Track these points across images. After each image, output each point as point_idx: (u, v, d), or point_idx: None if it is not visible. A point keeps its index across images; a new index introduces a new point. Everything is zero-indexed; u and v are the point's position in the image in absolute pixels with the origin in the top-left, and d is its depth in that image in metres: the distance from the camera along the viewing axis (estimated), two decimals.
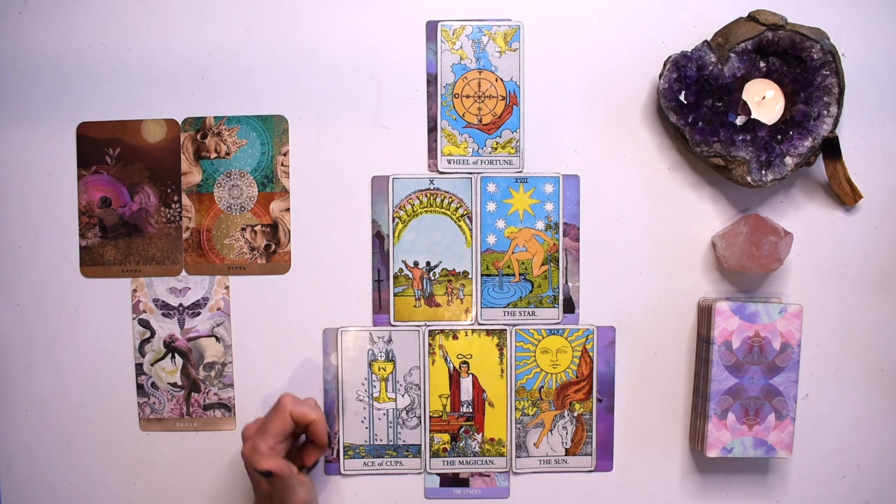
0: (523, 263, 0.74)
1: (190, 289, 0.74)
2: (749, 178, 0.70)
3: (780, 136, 0.70)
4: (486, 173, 0.73)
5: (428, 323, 0.74)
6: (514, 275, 0.74)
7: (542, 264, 0.74)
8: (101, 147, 0.73)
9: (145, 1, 0.72)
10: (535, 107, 0.73)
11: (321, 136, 0.73)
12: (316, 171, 0.73)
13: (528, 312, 0.74)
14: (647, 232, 0.74)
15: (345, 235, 0.74)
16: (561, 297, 0.74)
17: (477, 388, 0.74)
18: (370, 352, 0.74)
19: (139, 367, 0.74)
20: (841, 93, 0.69)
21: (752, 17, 0.70)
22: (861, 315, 0.74)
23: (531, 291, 0.74)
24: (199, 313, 0.74)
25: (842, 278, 0.74)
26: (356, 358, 0.74)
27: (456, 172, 0.73)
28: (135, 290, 0.74)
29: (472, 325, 0.74)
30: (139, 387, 0.74)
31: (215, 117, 0.73)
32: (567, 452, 0.75)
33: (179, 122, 0.73)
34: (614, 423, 0.75)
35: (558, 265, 0.74)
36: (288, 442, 0.67)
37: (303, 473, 0.69)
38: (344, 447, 0.74)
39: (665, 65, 0.70)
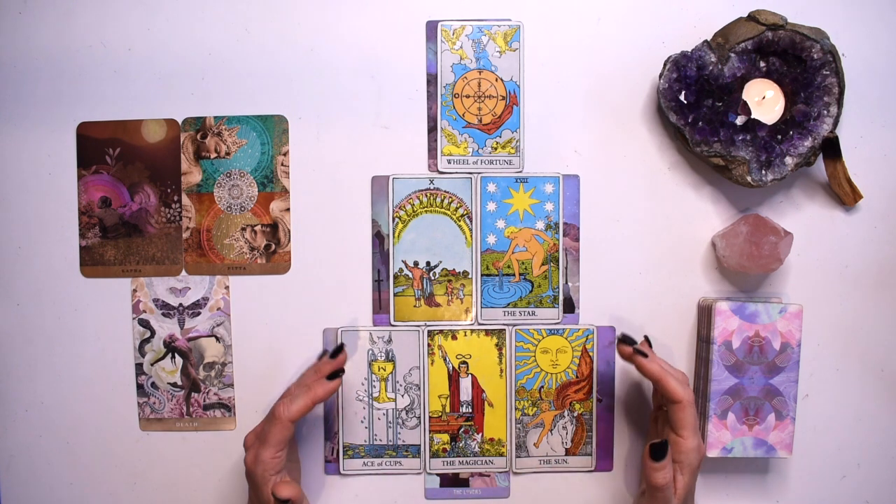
0: (523, 263, 0.74)
1: (190, 289, 0.74)
2: (749, 178, 0.70)
3: (780, 136, 0.70)
4: (486, 173, 0.73)
5: (427, 323, 0.74)
6: (514, 275, 0.74)
7: (542, 264, 0.74)
8: (101, 147, 0.73)
9: (145, 1, 0.72)
10: (535, 107, 0.73)
11: (321, 136, 0.73)
12: (316, 171, 0.73)
13: (528, 312, 0.74)
14: (647, 232, 0.74)
15: (345, 235, 0.74)
16: (561, 297, 0.74)
17: (476, 389, 0.74)
18: (370, 352, 0.74)
19: (139, 367, 0.74)
20: (841, 93, 0.69)
21: (752, 17, 0.70)
22: (861, 315, 0.74)
23: (531, 291, 0.74)
24: (199, 313, 0.74)
25: (842, 278, 0.74)
26: (356, 358, 0.74)
27: (456, 172, 0.73)
28: (135, 290, 0.74)
29: (472, 325, 0.74)
30: (139, 387, 0.74)
31: (215, 117, 0.73)
32: (567, 452, 0.75)
33: (179, 122, 0.73)
34: (614, 423, 0.75)
35: (558, 265, 0.74)
36: (288, 446, 0.66)
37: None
38: (343, 447, 0.74)
39: (665, 65, 0.70)
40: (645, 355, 0.66)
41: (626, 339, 0.68)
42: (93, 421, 0.74)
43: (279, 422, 0.63)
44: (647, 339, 0.71)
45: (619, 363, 0.74)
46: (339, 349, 0.68)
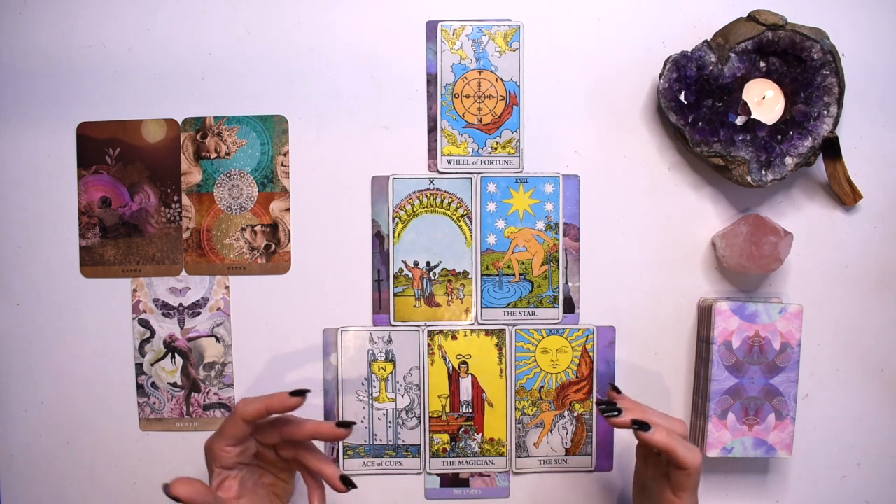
0: (523, 263, 0.74)
1: (190, 289, 0.74)
2: (749, 178, 0.70)
3: (780, 136, 0.70)
4: (486, 173, 0.73)
5: (427, 323, 0.74)
6: (514, 275, 0.74)
7: (542, 264, 0.74)
8: (101, 147, 0.73)
9: (145, 1, 0.72)
10: (535, 107, 0.73)
11: (321, 136, 0.73)
12: (316, 171, 0.73)
13: (528, 312, 0.74)
14: (647, 232, 0.74)
15: (345, 235, 0.74)
16: (561, 297, 0.74)
17: (476, 389, 0.74)
18: (370, 352, 0.74)
19: (139, 367, 0.74)
20: (841, 93, 0.69)
21: (752, 17, 0.70)
22: (861, 315, 0.74)
23: (531, 291, 0.74)
24: (199, 313, 0.74)
25: (842, 278, 0.74)
26: (356, 358, 0.74)
27: (456, 172, 0.73)
28: (135, 290, 0.74)
29: (472, 325, 0.74)
30: (139, 387, 0.74)
31: (215, 117, 0.73)
32: (567, 452, 0.75)
33: (179, 122, 0.73)
34: None
35: (558, 265, 0.74)
36: (247, 447, 0.62)
37: None
38: (343, 447, 0.74)
39: (665, 65, 0.70)
40: (648, 427, 0.59)
41: (609, 409, 0.61)
42: (93, 421, 0.74)
43: (233, 416, 0.61)
44: (614, 387, 0.66)
45: (620, 363, 0.74)
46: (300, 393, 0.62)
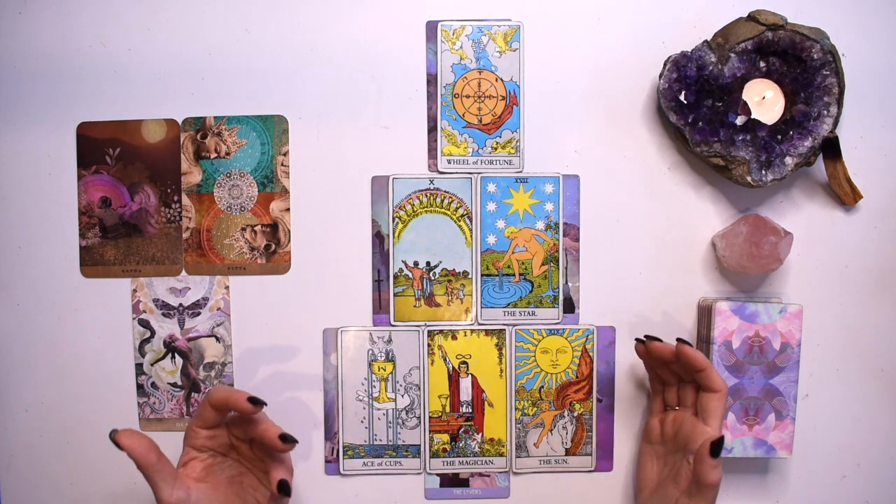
0: (523, 263, 0.74)
1: (190, 289, 0.74)
2: (749, 178, 0.70)
3: (780, 136, 0.70)
4: (486, 173, 0.73)
5: (427, 323, 0.74)
6: (514, 275, 0.74)
7: (542, 264, 0.74)
8: (101, 147, 0.73)
9: (145, 1, 0.72)
10: (535, 107, 0.73)
11: (321, 136, 0.73)
12: (316, 171, 0.73)
13: (528, 312, 0.74)
14: (647, 232, 0.74)
15: (345, 235, 0.74)
16: (561, 297, 0.74)
17: (476, 389, 0.74)
18: (370, 352, 0.74)
19: (139, 367, 0.74)
20: (841, 93, 0.69)
21: (752, 17, 0.70)
22: (861, 315, 0.74)
23: (531, 291, 0.74)
24: (199, 313, 0.74)
25: (842, 278, 0.74)
26: (356, 358, 0.74)
27: (456, 172, 0.73)
28: (135, 290, 0.74)
29: (472, 325, 0.74)
30: (139, 387, 0.74)
31: (215, 117, 0.73)
32: (567, 452, 0.75)
33: (179, 122, 0.73)
34: (614, 423, 0.75)
35: (558, 265, 0.74)
36: (216, 433, 0.64)
37: (186, 476, 0.63)
38: (343, 447, 0.74)
39: (665, 65, 0.70)
40: (690, 344, 0.65)
41: (652, 337, 0.68)
42: (93, 421, 0.74)
43: (204, 400, 0.63)
44: (649, 338, 0.69)
45: (620, 363, 0.74)
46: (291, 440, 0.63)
